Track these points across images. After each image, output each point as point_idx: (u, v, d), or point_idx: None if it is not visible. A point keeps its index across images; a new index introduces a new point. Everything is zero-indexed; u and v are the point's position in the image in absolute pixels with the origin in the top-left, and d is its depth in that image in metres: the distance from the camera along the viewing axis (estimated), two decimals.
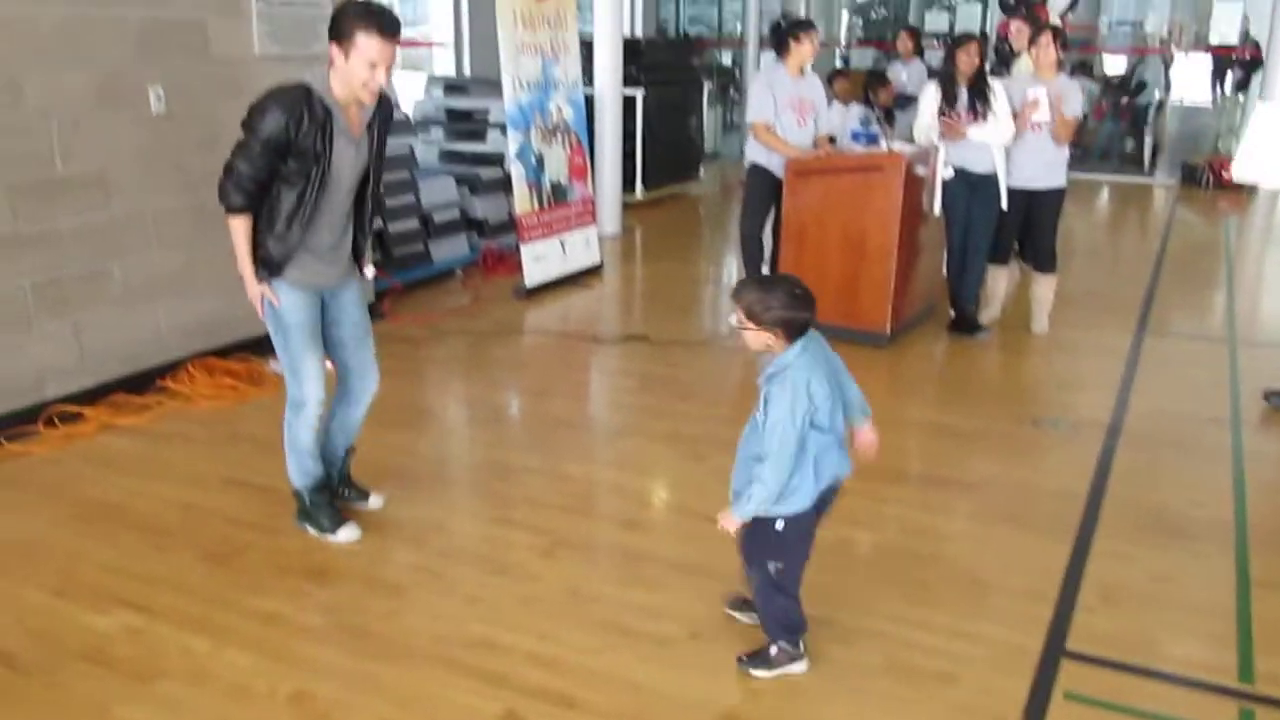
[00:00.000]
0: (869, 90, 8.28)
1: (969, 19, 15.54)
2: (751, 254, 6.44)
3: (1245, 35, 13.11)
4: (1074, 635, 3.18)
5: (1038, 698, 2.88)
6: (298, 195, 3.31)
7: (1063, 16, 9.95)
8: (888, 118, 8.06)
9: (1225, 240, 9.93)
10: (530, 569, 3.55)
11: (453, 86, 9.13)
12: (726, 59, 15.79)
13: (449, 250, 7.78)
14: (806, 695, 2.89)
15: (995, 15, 11.72)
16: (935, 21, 16.43)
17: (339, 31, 3.18)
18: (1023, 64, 6.86)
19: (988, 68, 6.20)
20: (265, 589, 3.39)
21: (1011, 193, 5.97)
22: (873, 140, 6.58)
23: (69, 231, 4.72)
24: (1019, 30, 7.50)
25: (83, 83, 4.69)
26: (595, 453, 4.70)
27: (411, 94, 9.08)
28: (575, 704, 2.83)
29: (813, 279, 3.06)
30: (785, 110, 6.03)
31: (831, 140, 6.34)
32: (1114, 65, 14.94)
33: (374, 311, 6.44)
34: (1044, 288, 6.35)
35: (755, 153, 6.21)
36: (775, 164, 6.11)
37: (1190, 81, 14.24)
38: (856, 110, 7.95)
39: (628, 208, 9.86)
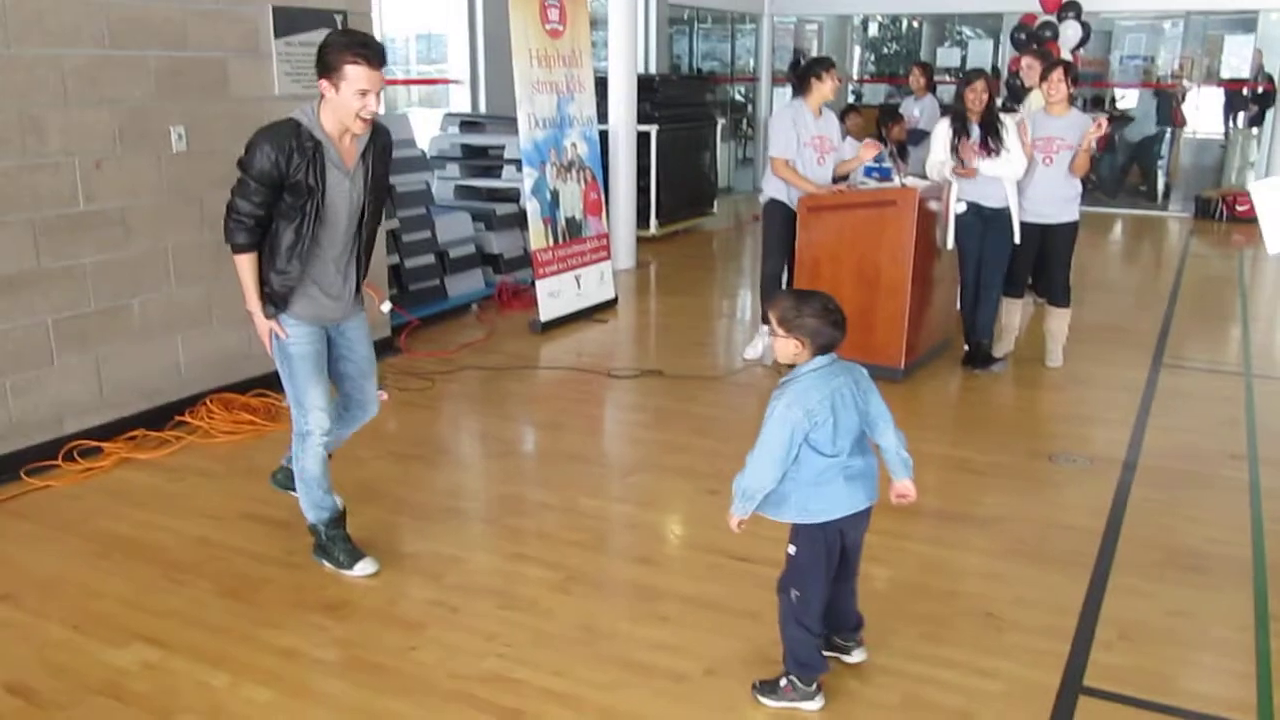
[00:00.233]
0: (881, 126, 8.32)
1: (980, 54, 15.57)
2: (772, 296, 6.40)
3: (1260, 70, 13.12)
4: (1091, 672, 3.16)
5: None
6: (295, 230, 3.37)
7: (1074, 51, 10.02)
8: (900, 153, 8.10)
9: (1240, 273, 9.91)
10: (545, 604, 3.55)
11: (469, 123, 9.21)
12: (739, 94, 15.89)
13: (464, 285, 7.85)
14: None
15: (1007, 50, 11.76)
16: (947, 57, 16.45)
17: (326, 65, 3.26)
18: (1034, 99, 6.91)
19: (999, 103, 6.22)
20: (282, 624, 3.41)
21: (1025, 227, 5.99)
22: (885, 176, 6.61)
23: (91, 268, 4.79)
24: (1030, 66, 7.51)
25: (105, 122, 4.78)
26: (609, 488, 4.71)
27: (428, 130, 9.16)
28: None
29: None
30: (806, 147, 6.07)
31: (843, 179, 6.34)
32: (1127, 100, 14.96)
33: (390, 346, 6.50)
34: (1058, 321, 6.35)
35: (774, 188, 6.22)
36: (794, 198, 6.13)
37: (1203, 115, 14.25)
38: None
39: (642, 242, 9.93)
